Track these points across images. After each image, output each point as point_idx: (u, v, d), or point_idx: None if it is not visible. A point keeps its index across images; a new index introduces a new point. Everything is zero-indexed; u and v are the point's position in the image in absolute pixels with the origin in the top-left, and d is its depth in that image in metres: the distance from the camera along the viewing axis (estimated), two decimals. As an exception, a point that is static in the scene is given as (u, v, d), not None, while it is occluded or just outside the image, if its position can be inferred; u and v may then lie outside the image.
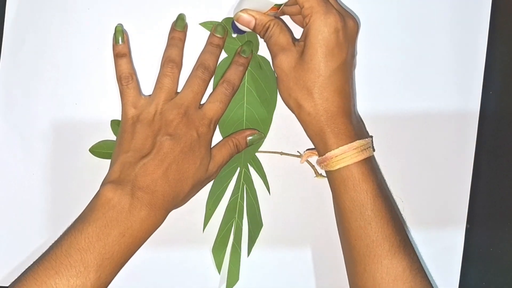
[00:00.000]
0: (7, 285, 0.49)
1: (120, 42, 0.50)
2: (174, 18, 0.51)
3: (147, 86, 0.51)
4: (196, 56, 0.51)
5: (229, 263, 0.52)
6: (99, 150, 0.52)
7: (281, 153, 0.53)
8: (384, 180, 0.52)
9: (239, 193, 0.53)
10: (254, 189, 0.53)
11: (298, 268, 0.53)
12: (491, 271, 0.52)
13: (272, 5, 0.47)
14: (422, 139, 0.53)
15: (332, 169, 0.46)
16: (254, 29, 0.49)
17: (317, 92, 0.46)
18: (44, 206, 0.52)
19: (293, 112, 0.48)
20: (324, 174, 0.51)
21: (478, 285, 0.53)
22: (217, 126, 0.51)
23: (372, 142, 0.51)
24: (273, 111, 0.52)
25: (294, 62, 0.47)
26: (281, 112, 0.51)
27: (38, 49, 0.52)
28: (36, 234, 0.52)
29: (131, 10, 0.52)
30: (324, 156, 0.46)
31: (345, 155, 0.45)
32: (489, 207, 0.53)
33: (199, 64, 0.50)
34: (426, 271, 0.46)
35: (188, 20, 0.52)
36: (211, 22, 0.52)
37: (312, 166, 0.53)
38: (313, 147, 0.49)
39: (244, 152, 0.52)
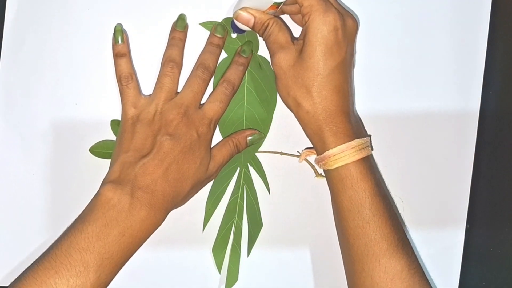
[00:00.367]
0: (7, 285, 0.49)
1: (120, 42, 0.50)
2: (174, 18, 0.51)
3: (147, 86, 0.51)
4: (196, 56, 0.51)
5: (228, 263, 0.52)
6: (99, 150, 0.52)
7: (281, 153, 0.53)
8: (383, 179, 0.52)
9: (239, 193, 0.52)
10: (254, 189, 0.53)
11: (297, 268, 0.53)
12: (491, 271, 0.52)
13: (271, 4, 0.47)
14: (422, 139, 0.53)
15: (330, 168, 0.46)
16: (253, 28, 0.49)
17: (316, 90, 0.46)
18: (44, 206, 0.52)
19: (291, 110, 0.48)
20: (323, 174, 0.51)
21: (478, 285, 0.53)
22: (217, 126, 0.51)
23: (371, 141, 0.51)
24: (273, 111, 0.52)
25: (293, 60, 0.47)
26: (281, 112, 0.51)
27: (38, 49, 0.52)
28: (36, 234, 0.52)
29: (131, 10, 0.52)
30: (322, 155, 0.46)
31: (344, 154, 0.45)
32: (489, 207, 0.53)
33: (199, 64, 0.50)
34: (426, 271, 0.46)
35: (188, 20, 0.52)
36: (211, 22, 0.52)
37: (312, 166, 0.53)
38: (312, 146, 0.49)
39: (244, 152, 0.52)
